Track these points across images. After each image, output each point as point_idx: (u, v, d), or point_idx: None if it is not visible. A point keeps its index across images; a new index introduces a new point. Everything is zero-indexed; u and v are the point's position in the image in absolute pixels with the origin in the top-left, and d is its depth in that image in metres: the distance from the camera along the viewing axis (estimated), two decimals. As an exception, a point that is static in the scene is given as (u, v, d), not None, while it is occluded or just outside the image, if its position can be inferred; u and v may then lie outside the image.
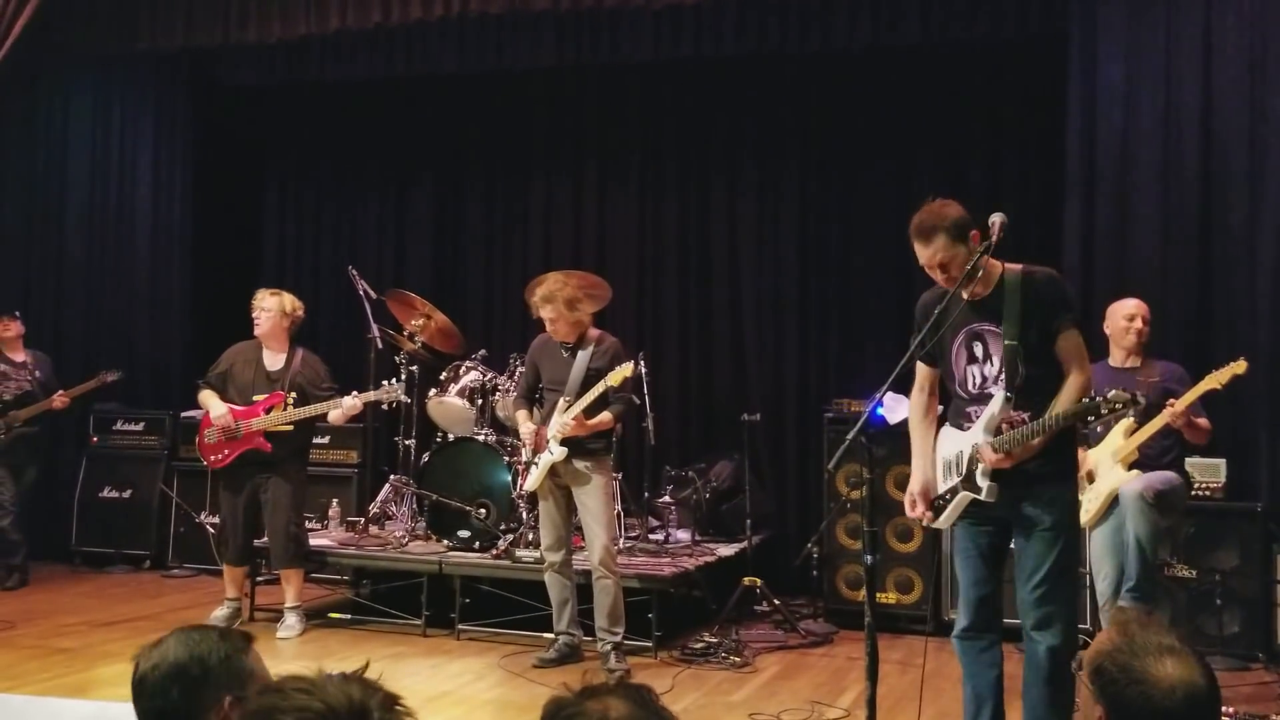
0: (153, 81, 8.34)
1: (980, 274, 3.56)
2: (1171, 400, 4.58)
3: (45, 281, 8.18)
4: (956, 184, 6.99)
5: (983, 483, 3.56)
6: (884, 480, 5.76)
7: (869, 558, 3.58)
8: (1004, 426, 3.54)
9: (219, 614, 6.02)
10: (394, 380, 6.06)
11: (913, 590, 6.01)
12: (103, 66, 8.05)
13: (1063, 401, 3.52)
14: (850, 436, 3.54)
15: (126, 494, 7.74)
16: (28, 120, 8.16)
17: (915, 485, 3.81)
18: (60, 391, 7.22)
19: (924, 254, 3.60)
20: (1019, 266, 3.65)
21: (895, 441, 4.86)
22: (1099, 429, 4.64)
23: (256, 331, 6.02)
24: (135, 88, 8.34)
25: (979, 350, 3.66)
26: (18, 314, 7.28)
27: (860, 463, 5.50)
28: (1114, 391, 3.40)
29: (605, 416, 5.22)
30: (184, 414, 7.55)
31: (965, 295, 3.58)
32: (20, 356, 7.25)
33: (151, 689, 1.86)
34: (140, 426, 7.88)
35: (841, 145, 7.46)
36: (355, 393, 5.92)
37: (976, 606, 3.71)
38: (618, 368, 5.14)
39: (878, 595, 5.87)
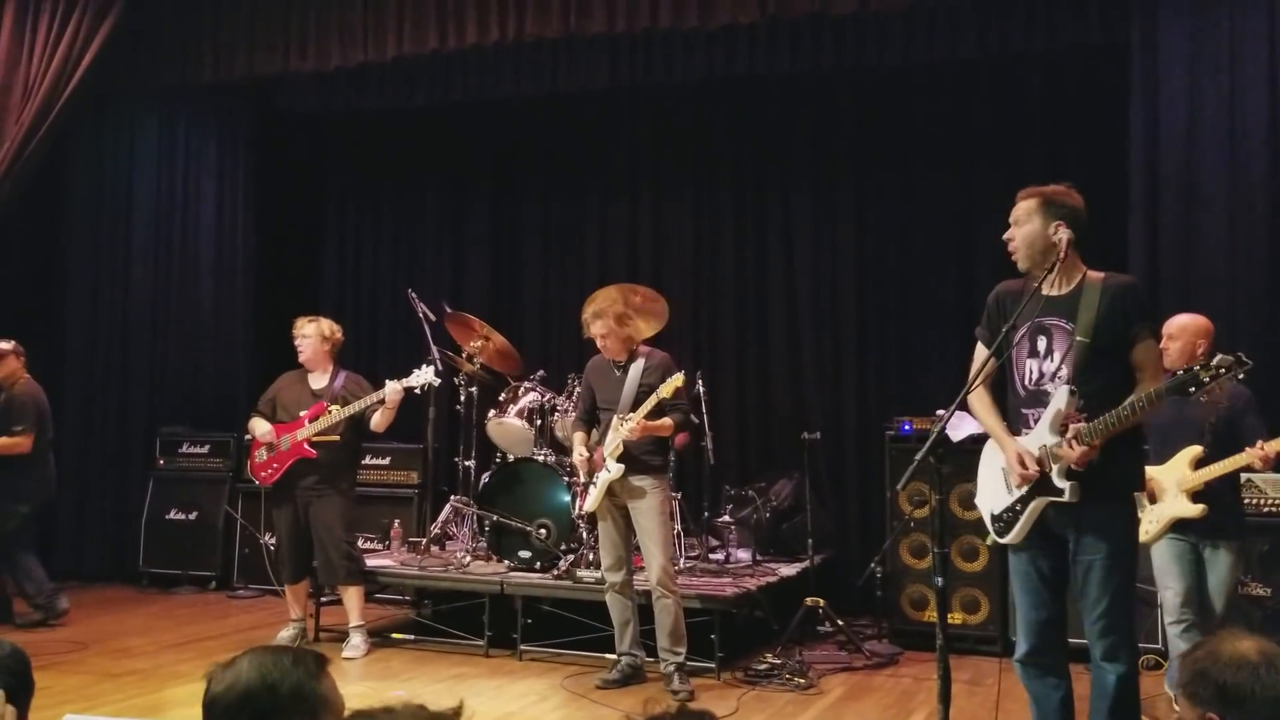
0: (216, 110, 8.54)
1: (1063, 270, 3.52)
2: (1261, 443, 4.31)
3: (113, 307, 8.34)
4: (1016, 196, 6.91)
5: (1062, 483, 3.44)
6: (948, 499, 5.68)
7: (939, 580, 3.52)
8: (1068, 425, 3.43)
9: (284, 635, 6.10)
10: (424, 365, 6.09)
11: (979, 610, 5.92)
12: (167, 95, 8.22)
13: (1138, 394, 3.41)
14: (919, 456, 3.46)
15: (193, 515, 7.87)
16: (96, 148, 8.35)
17: (1013, 453, 3.54)
18: None
19: (1012, 213, 3.63)
20: (1102, 273, 3.60)
21: (959, 459, 4.78)
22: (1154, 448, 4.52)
23: (300, 358, 6.18)
24: (199, 116, 8.54)
25: (1041, 344, 3.59)
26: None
27: (927, 483, 5.50)
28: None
29: (665, 421, 5.22)
30: (248, 436, 7.65)
31: (1046, 290, 3.54)
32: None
33: (221, 713, 1.84)
34: (205, 449, 8.01)
35: (898, 160, 7.42)
36: (389, 382, 5.96)
37: (1038, 631, 3.62)
38: (669, 379, 5.14)
39: (943, 615, 5.85)
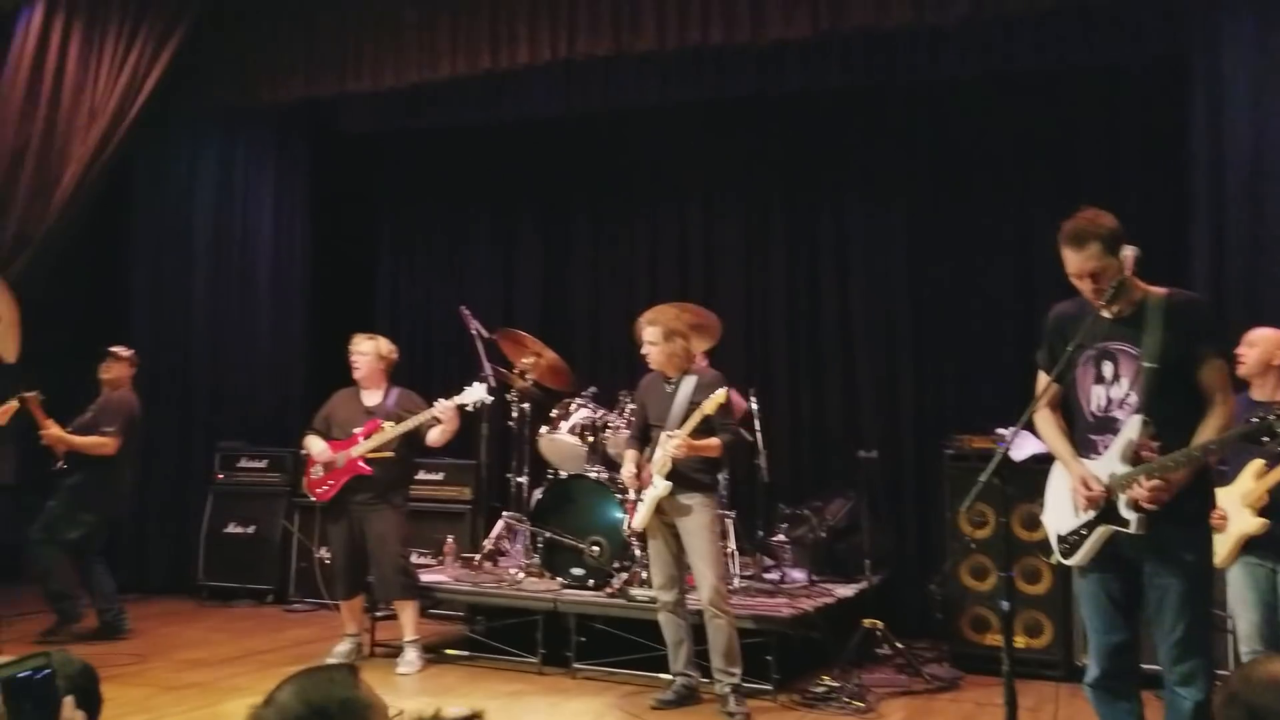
0: (273, 130, 8.68)
1: (1125, 292, 3.45)
2: None
3: (174, 324, 8.49)
4: (1074, 211, 6.79)
5: (1128, 514, 3.38)
6: (1010, 520, 5.58)
7: (1006, 603, 3.47)
8: (1142, 454, 3.37)
9: (340, 649, 6.14)
10: (475, 383, 6.11)
11: (1042, 633, 5.80)
12: (227, 116, 8.36)
13: (1208, 431, 3.34)
14: (984, 478, 3.41)
15: (250, 529, 7.97)
16: (158, 169, 8.51)
17: (1078, 475, 3.50)
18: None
19: (1073, 261, 3.48)
20: (1164, 290, 3.51)
21: (1021, 480, 4.66)
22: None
23: (355, 376, 6.23)
24: (257, 136, 8.68)
25: (1108, 370, 3.52)
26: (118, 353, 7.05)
27: (988, 503, 5.42)
28: None
29: (713, 441, 5.18)
30: (303, 452, 7.73)
31: (1106, 313, 3.47)
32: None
33: None
34: (263, 464, 8.11)
35: (953, 172, 7.34)
36: (440, 400, 5.99)
37: (1110, 655, 3.55)
38: (712, 395, 5.10)
39: (1002, 639, 5.74)
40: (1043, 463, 5.49)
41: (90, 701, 2.24)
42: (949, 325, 7.28)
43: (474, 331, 6.96)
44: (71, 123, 7.31)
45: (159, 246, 8.53)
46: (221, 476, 8.17)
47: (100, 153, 7.27)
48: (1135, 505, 3.36)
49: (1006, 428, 5.85)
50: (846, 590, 6.21)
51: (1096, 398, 3.54)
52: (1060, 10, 5.97)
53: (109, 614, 6.68)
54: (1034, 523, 5.63)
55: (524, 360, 6.91)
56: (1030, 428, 3.73)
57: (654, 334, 5.30)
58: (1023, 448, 5.34)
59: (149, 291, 8.50)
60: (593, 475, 6.32)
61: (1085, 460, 3.55)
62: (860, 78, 6.99)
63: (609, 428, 6.50)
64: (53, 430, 6.60)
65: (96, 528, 6.73)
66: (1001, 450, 3.50)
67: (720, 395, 5.09)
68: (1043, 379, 3.69)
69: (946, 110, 7.32)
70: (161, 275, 8.52)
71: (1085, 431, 3.59)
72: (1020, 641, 5.78)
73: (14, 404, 5.47)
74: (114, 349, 6.96)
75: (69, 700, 1.92)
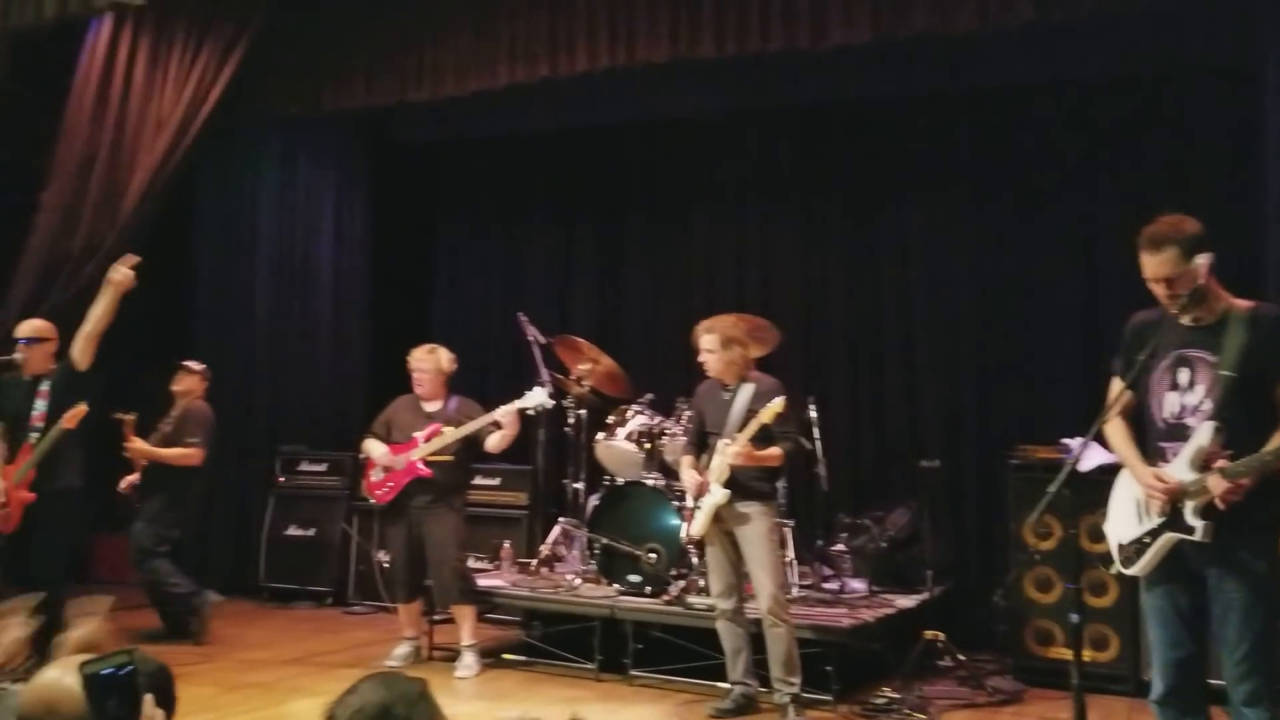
0: (334, 139, 8.81)
1: (1205, 300, 3.41)
2: None
3: (237, 330, 8.62)
4: (1142, 219, 6.67)
5: (1195, 521, 3.34)
6: (1078, 531, 5.48)
7: (1075, 616, 3.42)
8: (1211, 462, 3.32)
9: (399, 652, 6.20)
10: (536, 387, 6.13)
11: (1108, 647, 5.68)
12: (288, 126, 8.48)
13: (1279, 439, 3.28)
14: (1052, 489, 3.38)
15: (311, 532, 8.07)
16: (221, 177, 8.65)
17: (1146, 473, 3.47)
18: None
19: (1150, 265, 3.46)
20: (1249, 302, 3.47)
21: (1088, 491, 4.59)
22: None
23: (417, 390, 6.29)
24: (318, 146, 8.81)
25: (1184, 377, 3.48)
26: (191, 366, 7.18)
27: (1058, 516, 5.33)
28: None
29: (774, 451, 5.15)
30: (362, 456, 7.81)
31: (1186, 320, 3.43)
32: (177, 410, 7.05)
33: None
34: (323, 467, 8.21)
35: (1016, 179, 7.23)
36: (502, 408, 6.01)
37: (1175, 671, 3.49)
38: (770, 403, 5.07)
39: (1069, 653, 5.63)
40: (1108, 474, 5.47)
41: (166, 701, 2.28)
42: (1013, 333, 7.18)
43: (531, 338, 6.99)
44: (139, 132, 7.43)
45: (222, 254, 8.67)
46: (282, 480, 8.28)
47: (166, 162, 7.38)
48: (1202, 512, 3.32)
49: (1072, 438, 5.80)
50: (907, 601, 6.15)
51: (1170, 405, 3.51)
52: (1128, 13, 5.85)
53: (177, 615, 6.79)
54: (1099, 535, 5.46)
55: (580, 367, 6.93)
56: (1099, 438, 3.69)
57: (711, 341, 5.29)
58: (1089, 458, 5.23)
59: (213, 297, 8.64)
60: (649, 482, 6.31)
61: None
62: (922, 84, 6.93)
63: (666, 434, 6.50)
64: (139, 445, 6.72)
65: (182, 539, 6.88)
66: (1070, 461, 3.49)
67: (778, 404, 5.07)
68: (1115, 387, 3.65)
69: (1010, 116, 7.21)
70: (224, 282, 8.65)
71: (1155, 439, 3.56)
72: (1085, 655, 5.64)
73: (83, 408, 5.59)
74: (186, 363, 7.10)
75: (149, 698, 1.95)
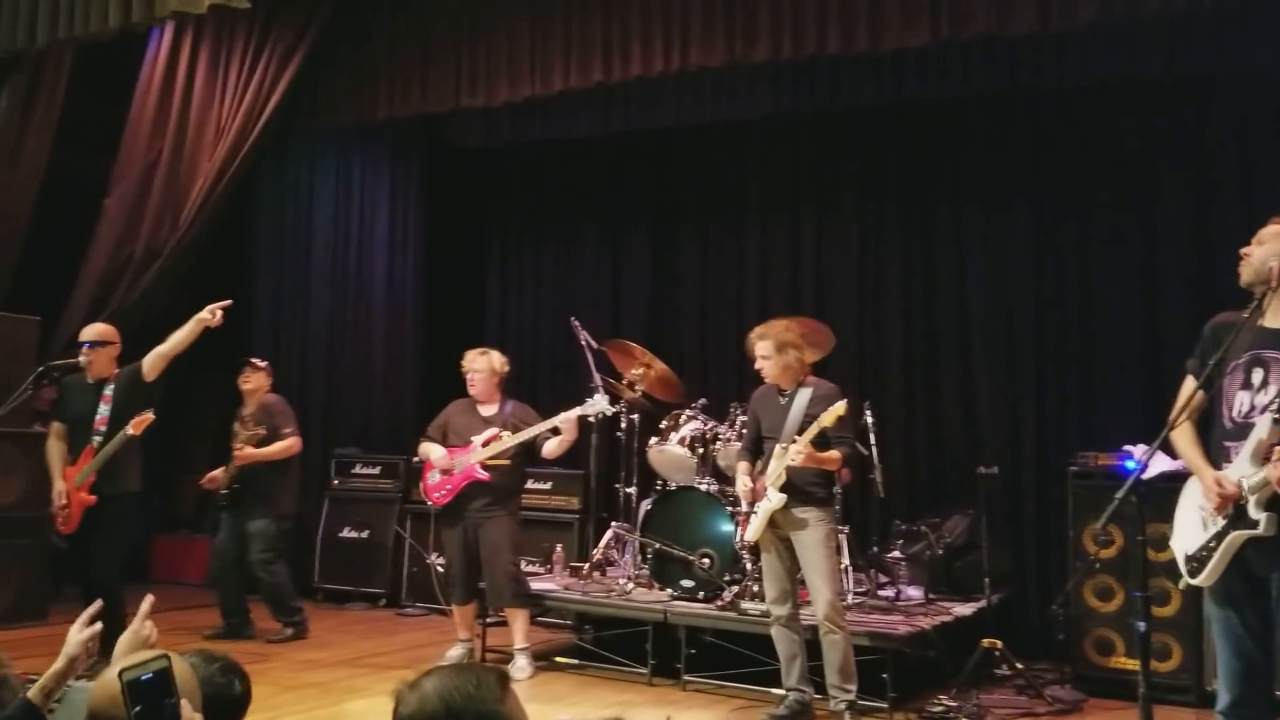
0: (388, 145, 8.90)
1: (1269, 296, 3.42)
2: None
3: (292, 334, 8.72)
4: (1205, 221, 6.58)
5: (1258, 514, 3.31)
6: (1135, 540, 5.39)
7: (1142, 625, 3.37)
8: (1271, 455, 3.29)
9: (453, 654, 6.23)
10: (596, 394, 6.14)
11: (1170, 657, 5.58)
12: (343, 132, 8.58)
13: None
14: (1120, 495, 3.33)
15: (364, 534, 8.14)
16: (278, 184, 8.77)
17: (1209, 477, 3.46)
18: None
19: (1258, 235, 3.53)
20: None
21: (1151, 498, 4.50)
22: None
23: (471, 391, 6.32)
24: (373, 152, 8.91)
25: (1257, 376, 3.45)
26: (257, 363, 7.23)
27: (1120, 523, 5.24)
28: None
29: (833, 454, 5.10)
30: (416, 458, 7.87)
31: (1266, 322, 3.43)
32: (249, 408, 7.10)
33: None
34: (377, 470, 8.28)
35: (1076, 181, 7.11)
36: (563, 414, 6.03)
37: (1241, 681, 3.44)
38: (831, 407, 5.03)
39: (1130, 663, 5.56)
40: (1170, 480, 5.38)
41: (236, 703, 2.33)
42: (1072, 338, 7.07)
43: (584, 342, 7.00)
44: (199, 140, 7.56)
45: (279, 261, 8.78)
46: (336, 483, 8.37)
47: (226, 169, 7.50)
48: (1265, 504, 3.29)
49: (1134, 444, 5.71)
50: (964, 609, 6.08)
51: (1240, 403, 3.49)
52: (1193, 11, 5.74)
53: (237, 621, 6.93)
54: (1162, 543, 5.40)
55: (633, 371, 6.92)
56: (1166, 444, 3.64)
57: (766, 348, 5.26)
58: (1153, 465, 5.17)
59: (269, 302, 8.74)
60: (703, 487, 6.30)
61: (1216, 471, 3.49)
62: (980, 85, 6.85)
63: (719, 440, 6.47)
64: (246, 450, 6.82)
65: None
66: (1138, 469, 3.46)
67: (840, 407, 5.03)
68: (1188, 386, 3.64)
69: (1070, 117, 7.11)
70: (281, 286, 8.76)
71: (1221, 439, 3.53)
72: (1148, 665, 5.58)
73: (149, 416, 5.69)
74: (252, 360, 7.19)
75: (186, 702, 1.97)
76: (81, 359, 5.88)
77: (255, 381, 7.11)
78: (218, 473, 6.99)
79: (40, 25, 6.44)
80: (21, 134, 7.09)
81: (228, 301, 5.88)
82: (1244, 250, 3.58)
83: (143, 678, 1.90)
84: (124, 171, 7.47)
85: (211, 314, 5.78)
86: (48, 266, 7.40)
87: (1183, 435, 3.62)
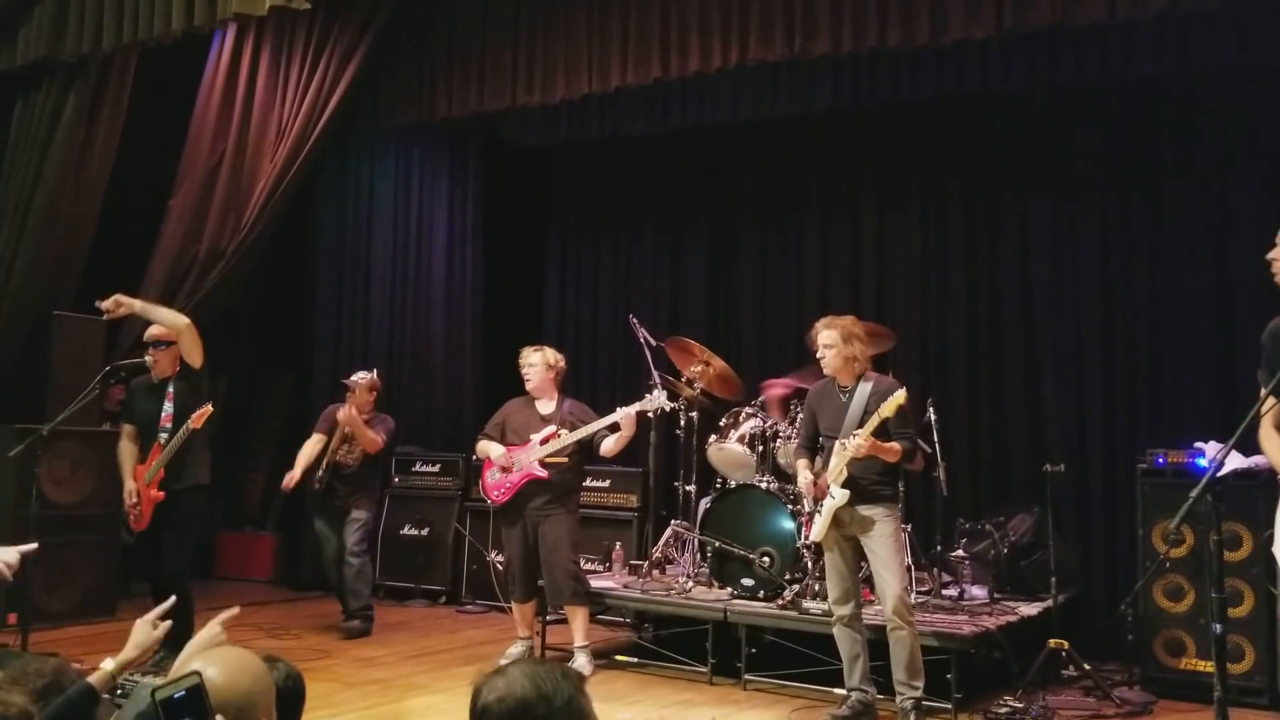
0: (446, 145, 8.96)
1: None
2: None
3: (353, 333, 8.81)
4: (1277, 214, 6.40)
5: None
6: (1206, 540, 5.27)
7: (1218, 626, 3.27)
8: None
9: (513, 651, 6.24)
10: (655, 390, 6.12)
11: (1243, 658, 5.43)
12: (402, 133, 8.64)
13: None
14: (1195, 494, 3.23)
15: (424, 532, 8.20)
16: (338, 184, 8.86)
17: None
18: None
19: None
20: None
21: (1225, 497, 4.39)
22: None
23: (527, 387, 6.33)
24: (431, 151, 8.98)
25: None
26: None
27: (1191, 522, 5.13)
28: None
29: (895, 445, 5.04)
30: (475, 456, 7.90)
31: None
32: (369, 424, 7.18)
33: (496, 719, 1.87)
34: (436, 468, 8.34)
35: (1144, 172, 6.98)
36: (620, 408, 6.02)
37: None
38: (890, 398, 4.97)
39: (1201, 664, 5.44)
40: (1245, 479, 5.26)
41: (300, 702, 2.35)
42: (1140, 333, 6.93)
43: (643, 340, 6.99)
44: (261, 141, 7.64)
45: (340, 260, 8.86)
46: (397, 480, 8.43)
47: (287, 170, 7.58)
48: None
49: (1205, 441, 5.59)
50: (1030, 609, 5.98)
51: None
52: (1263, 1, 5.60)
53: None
54: (1235, 542, 5.32)
55: (692, 369, 6.89)
56: (1240, 442, 3.54)
57: (831, 336, 5.21)
58: (1227, 463, 5.05)
59: (331, 301, 8.83)
60: (762, 485, 6.26)
61: None
62: (1046, 76, 6.72)
63: (779, 437, 6.43)
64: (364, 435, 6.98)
65: None
66: (1212, 467, 3.36)
67: (900, 396, 4.96)
68: (1264, 396, 3.52)
69: (1140, 109, 6.96)
70: (341, 286, 8.85)
71: None
72: (1213, 667, 5.44)
73: (208, 408, 5.77)
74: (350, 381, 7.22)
75: (253, 706, 1.99)
76: (147, 359, 5.98)
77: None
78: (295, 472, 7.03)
79: (106, 30, 6.56)
80: (89, 137, 7.22)
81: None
82: (1271, 255, 3.58)
83: (175, 695, 1.92)
84: (188, 173, 7.58)
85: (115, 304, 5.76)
86: (114, 268, 7.53)
87: (1270, 442, 3.59)
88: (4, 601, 6.61)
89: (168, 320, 5.85)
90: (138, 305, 5.86)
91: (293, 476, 7.01)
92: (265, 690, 2.02)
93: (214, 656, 2.04)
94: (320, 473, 6.99)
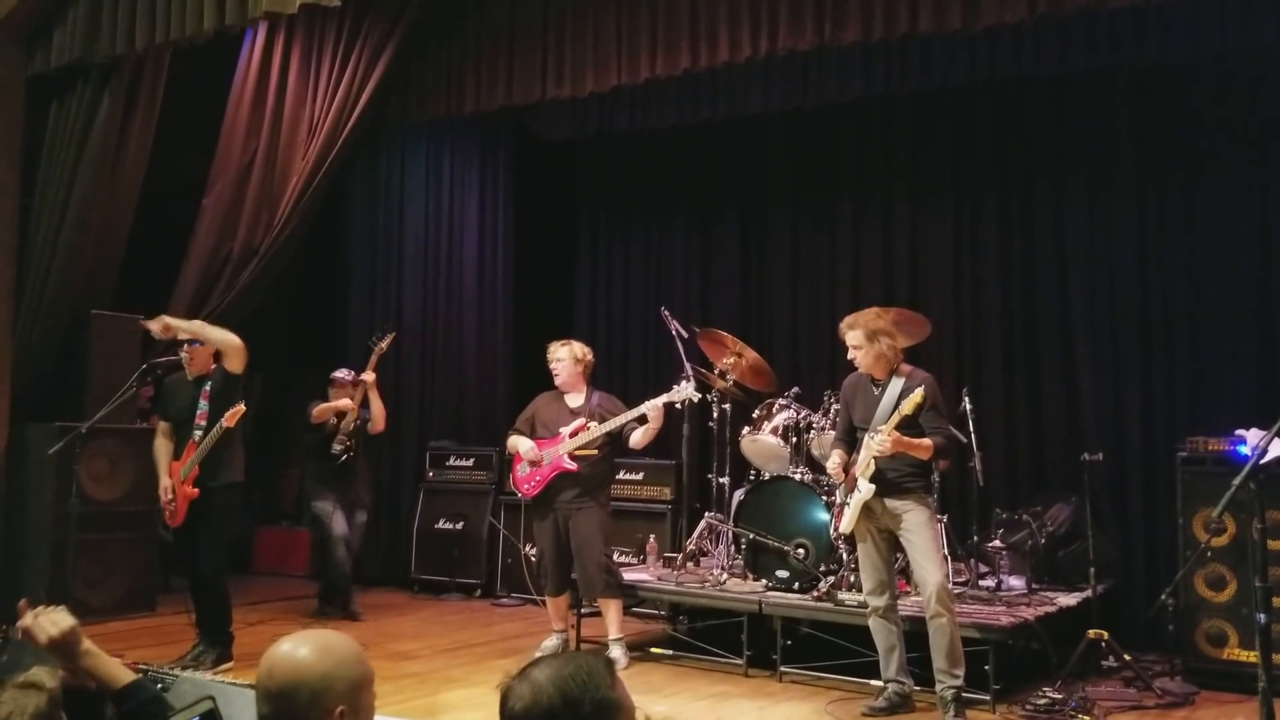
0: (476, 140, 8.98)
1: None
2: None
3: (386, 326, 8.82)
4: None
5: None
6: (1248, 528, 5.19)
7: (1262, 616, 3.22)
8: None
9: (548, 644, 6.26)
10: (683, 381, 6.11)
11: (1288, 649, 5.36)
12: (433, 128, 8.66)
13: None
14: (1238, 482, 3.19)
15: (459, 526, 8.23)
16: (370, 181, 8.90)
17: None
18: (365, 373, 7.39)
19: None
20: None
21: (1268, 484, 4.32)
22: None
23: (556, 381, 6.34)
24: (462, 145, 8.99)
25: None
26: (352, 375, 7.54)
27: (1232, 511, 5.05)
28: None
29: (925, 442, 4.98)
30: (508, 451, 7.92)
31: None
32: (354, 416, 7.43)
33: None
34: (470, 462, 8.37)
35: (1183, 156, 6.86)
36: (649, 402, 6.02)
37: None
38: (910, 395, 4.92)
39: (1244, 654, 5.36)
40: (1286, 466, 5.16)
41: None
42: (1178, 319, 6.82)
43: (674, 332, 6.97)
44: (293, 139, 7.68)
45: (371, 254, 8.90)
46: (431, 475, 8.48)
47: (319, 167, 7.62)
48: None
49: (1245, 428, 5.50)
50: (1069, 599, 5.93)
51: None
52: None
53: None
54: (1278, 530, 5.23)
55: (724, 361, 6.87)
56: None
57: (856, 338, 5.17)
58: (1270, 450, 4.96)
59: (364, 297, 8.87)
60: (796, 477, 6.23)
61: None
62: (1080, 61, 6.62)
63: (813, 429, 6.40)
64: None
65: None
66: (1256, 455, 3.31)
67: (917, 395, 4.91)
68: None
69: (1177, 92, 6.84)
70: (374, 282, 8.88)
71: None
72: (1256, 657, 5.35)
73: (240, 407, 5.82)
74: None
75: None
76: (182, 355, 6.03)
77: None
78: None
79: (139, 30, 6.60)
80: (123, 137, 7.28)
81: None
82: None
83: None
84: (220, 172, 7.63)
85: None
86: (150, 266, 7.61)
87: None
88: (46, 597, 6.70)
89: (220, 340, 5.88)
90: (186, 326, 5.89)
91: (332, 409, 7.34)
92: (345, 675, 2.00)
93: (305, 638, 2.04)
94: (346, 441, 7.15)
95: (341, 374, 7.52)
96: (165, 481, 5.91)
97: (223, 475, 5.91)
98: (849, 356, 5.25)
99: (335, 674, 1.97)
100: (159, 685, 2.52)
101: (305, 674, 1.95)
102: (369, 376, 7.33)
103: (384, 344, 7.45)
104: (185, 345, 6.01)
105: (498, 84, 7.64)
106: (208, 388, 5.93)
